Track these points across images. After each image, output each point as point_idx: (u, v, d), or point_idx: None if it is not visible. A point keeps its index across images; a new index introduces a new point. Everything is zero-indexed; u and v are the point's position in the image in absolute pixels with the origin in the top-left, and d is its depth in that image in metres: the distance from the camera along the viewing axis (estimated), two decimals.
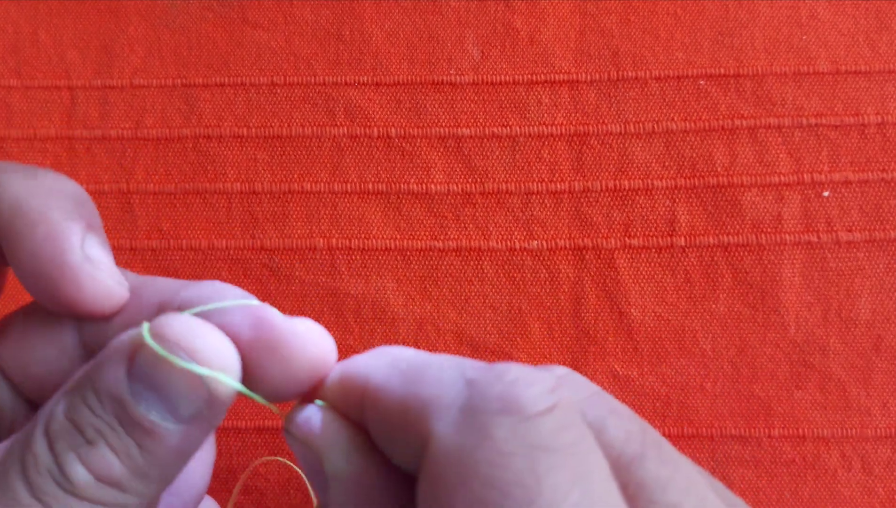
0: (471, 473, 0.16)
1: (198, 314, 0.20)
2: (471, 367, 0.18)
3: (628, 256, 0.31)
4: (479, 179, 0.32)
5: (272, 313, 0.20)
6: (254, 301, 0.20)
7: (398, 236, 0.32)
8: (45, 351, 0.22)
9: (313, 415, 0.20)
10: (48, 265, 0.20)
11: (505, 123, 0.32)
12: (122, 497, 0.19)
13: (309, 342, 0.20)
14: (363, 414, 0.20)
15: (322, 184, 0.32)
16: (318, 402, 0.21)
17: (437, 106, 0.32)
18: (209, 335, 0.19)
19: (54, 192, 0.21)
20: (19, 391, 0.23)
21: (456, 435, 0.17)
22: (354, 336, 0.31)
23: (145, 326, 0.19)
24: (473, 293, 0.31)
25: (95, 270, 0.21)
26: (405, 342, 0.31)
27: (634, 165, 0.31)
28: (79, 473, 0.19)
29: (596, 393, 0.19)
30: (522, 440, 0.16)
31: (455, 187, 0.32)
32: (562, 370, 0.19)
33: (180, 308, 0.20)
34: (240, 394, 0.20)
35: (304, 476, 0.21)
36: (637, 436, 0.18)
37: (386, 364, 0.19)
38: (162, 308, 0.21)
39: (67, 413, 0.19)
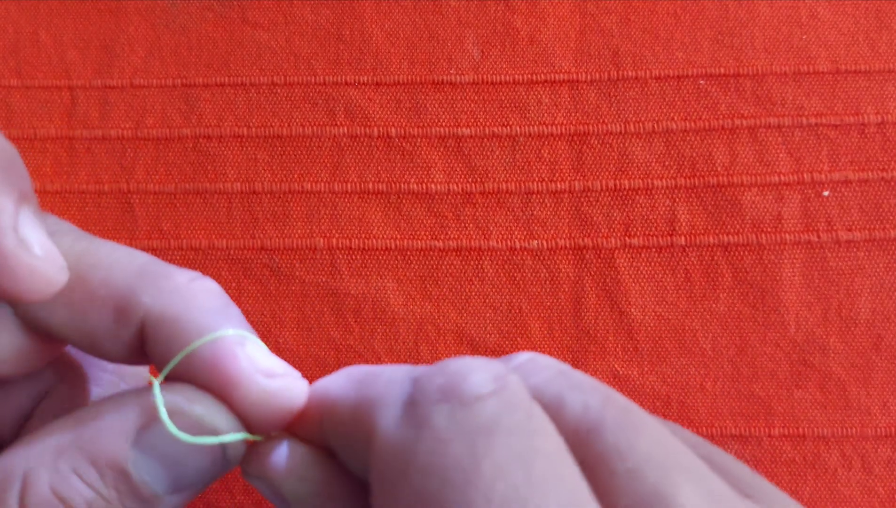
0: (411, 464, 0.16)
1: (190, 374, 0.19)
2: (420, 368, 0.18)
3: (628, 255, 0.31)
4: (479, 179, 0.32)
5: (241, 365, 0.19)
6: (227, 332, 0.19)
7: (398, 236, 0.32)
8: None
9: (278, 455, 0.20)
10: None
11: (505, 123, 0.32)
12: None
13: (276, 399, 0.19)
14: (323, 432, 0.20)
15: (322, 184, 0.32)
16: (276, 435, 0.20)
17: (437, 106, 0.32)
18: (222, 410, 0.19)
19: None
20: None
21: (397, 429, 0.16)
22: (355, 336, 0.31)
23: (160, 399, 0.18)
24: (474, 293, 0.31)
25: (31, 256, 0.18)
26: (405, 342, 0.31)
27: (634, 164, 0.32)
28: None
29: (560, 373, 0.18)
30: (461, 426, 0.16)
31: (455, 187, 0.32)
32: (524, 357, 0.19)
33: (146, 323, 0.19)
34: None
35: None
36: (595, 407, 0.17)
37: (344, 378, 0.19)
38: (119, 310, 0.19)
39: (53, 486, 0.18)
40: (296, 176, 0.32)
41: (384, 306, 0.31)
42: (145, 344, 0.20)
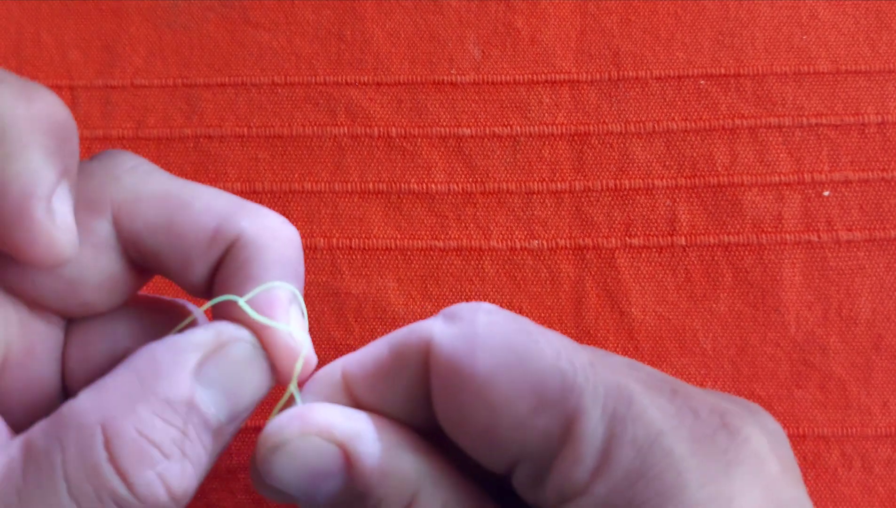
0: (476, 337, 0.20)
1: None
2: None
3: (629, 255, 0.31)
4: (480, 179, 0.32)
5: (282, 317, 0.21)
6: (289, 286, 0.22)
7: (399, 236, 0.32)
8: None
9: (323, 407, 0.21)
10: (11, 206, 0.19)
11: (506, 123, 0.32)
12: None
13: (292, 352, 0.22)
14: (345, 398, 0.22)
15: (323, 183, 0.32)
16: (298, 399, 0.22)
17: (438, 106, 0.32)
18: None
19: (41, 123, 0.20)
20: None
21: (451, 328, 0.21)
22: (355, 336, 0.31)
23: (243, 334, 0.21)
24: (474, 293, 0.31)
25: (53, 225, 0.20)
26: None
27: (635, 164, 0.32)
28: (157, 493, 0.19)
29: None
30: (502, 317, 0.21)
31: (456, 187, 0.32)
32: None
33: (236, 244, 0.21)
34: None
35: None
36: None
37: (367, 348, 0.23)
38: (217, 231, 0.21)
39: (140, 429, 0.19)
40: (297, 176, 0.32)
41: (385, 306, 0.31)
42: (219, 268, 0.22)
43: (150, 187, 0.22)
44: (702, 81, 0.32)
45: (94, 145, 0.33)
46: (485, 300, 0.31)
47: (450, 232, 0.32)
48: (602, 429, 0.19)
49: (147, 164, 0.23)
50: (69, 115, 0.21)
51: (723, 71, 0.32)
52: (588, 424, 0.19)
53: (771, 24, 0.32)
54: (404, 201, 0.32)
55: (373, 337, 0.31)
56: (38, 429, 0.19)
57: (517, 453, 0.20)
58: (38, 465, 0.19)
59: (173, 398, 0.19)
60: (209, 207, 0.22)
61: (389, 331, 0.31)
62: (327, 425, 0.21)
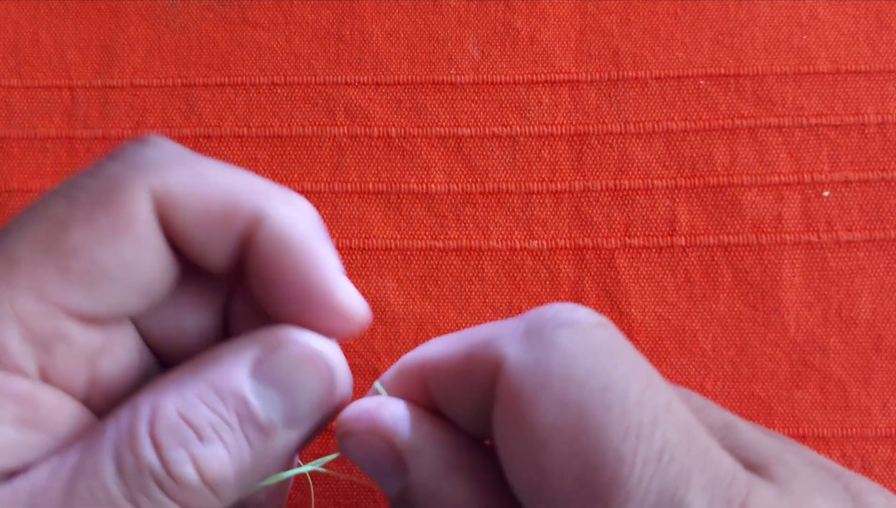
0: (549, 376, 0.18)
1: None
2: (513, 319, 0.20)
3: (628, 255, 0.31)
4: (479, 179, 0.32)
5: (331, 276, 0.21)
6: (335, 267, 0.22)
7: (398, 236, 0.32)
8: (190, 318, 0.23)
9: (395, 409, 0.21)
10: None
11: (505, 123, 0.32)
12: (212, 502, 0.20)
13: (358, 313, 0.22)
14: (424, 393, 0.22)
15: (322, 183, 0.32)
16: (378, 389, 0.22)
17: (437, 106, 0.32)
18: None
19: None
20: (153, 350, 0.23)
21: (525, 353, 0.19)
22: (355, 336, 0.31)
23: (329, 346, 0.21)
24: (474, 293, 0.31)
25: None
26: (405, 342, 0.31)
27: (634, 164, 0.31)
28: (187, 472, 0.19)
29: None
30: (586, 344, 0.19)
31: (455, 187, 0.32)
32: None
33: (266, 229, 0.21)
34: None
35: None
36: None
37: (440, 341, 0.22)
38: (254, 217, 0.21)
39: (181, 410, 0.19)
40: (296, 176, 0.32)
41: (384, 306, 0.31)
42: (250, 247, 0.21)
43: (187, 177, 0.21)
44: (701, 81, 0.32)
45: (93, 145, 0.33)
46: (484, 301, 0.31)
47: (449, 232, 0.31)
48: None
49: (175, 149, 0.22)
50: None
51: (722, 71, 0.32)
52: None
53: (771, 24, 0.32)
54: (403, 201, 0.32)
55: (372, 337, 0.31)
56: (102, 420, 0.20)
57: None
58: (93, 437, 0.19)
59: (221, 386, 0.20)
60: (220, 183, 0.21)
61: (389, 331, 0.31)
62: (392, 431, 0.21)
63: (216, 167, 0.21)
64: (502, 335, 0.20)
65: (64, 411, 0.20)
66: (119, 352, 0.22)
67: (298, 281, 0.21)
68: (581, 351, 0.19)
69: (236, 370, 0.20)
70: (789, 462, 0.19)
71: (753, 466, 0.19)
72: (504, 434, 0.19)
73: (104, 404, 0.22)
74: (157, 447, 0.19)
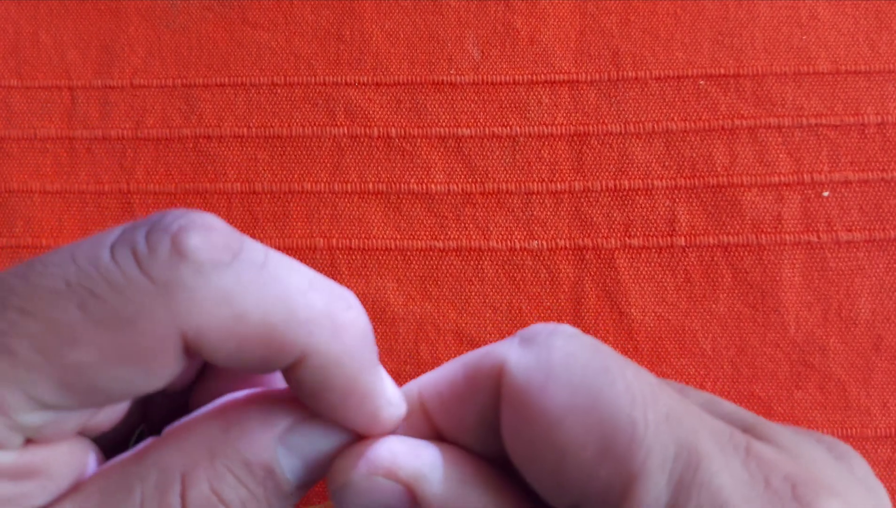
0: (550, 367, 0.19)
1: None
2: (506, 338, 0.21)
3: (628, 256, 0.31)
4: (479, 179, 0.32)
5: (380, 405, 0.22)
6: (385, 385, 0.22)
7: (398, 236, 0.32)
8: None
9: (390, 444, 0.21)
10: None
11: (505, 123, 0.32)
12: None
13: (393, 422, 0.22)
14: (420, 424, 0.22)
15: (322, 184, 0.32)
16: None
17: (437, 106, 0.32)
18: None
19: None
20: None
21: (525, 354, 0.20)
22: None
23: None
24: (474, 293, 0.31)
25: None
26: (405, 342, 0.31)
27: (634, 165, 0.32)
28: None
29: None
30: (578, 343, 0.20)
31: (455, 187, 0.32)
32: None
33: (309, 362, 0.20)
34: None
35: None
36: None
37: (439, 370, 0.22)
38: (285, 347, 0.20)
39: (213, 485, 0.19)
40: (296, 176, 0.32)
41: (384, 306, 0.31)
42: (290, 371, 0.20)
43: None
44: (701, 82, 0.32)
45: (93, 146, 0.33)
46: (484, 301, 0.31)
47: (449, 232, 0.31)
48: (666, 496, 0.18)
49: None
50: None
51: (722, 71, 0.32)
52: (651, 488, 0.18)
53: (771, 24, 0.32)
54: (403, 201, 0.32)
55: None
56: (119, 464, 0.20)
57: (578, 496, 0.19)
58: (117, 498, 0.19)
59: (253, 459, 0.20)
60: (261, 320, 0.19)
61: (389, 331, 0.31)
62: (392, 465, 0.21)
63: (255, 293, 0.19)
64: (499, 347, 0.21)
65: (61, 456, 0.20)
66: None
67: (341, 408, 0.21)
68: (575, 347, 0.20)
69: (267, 441, 0.20)
70: (773, 426, 0.21)
71: (741, 430, 0.21)
72: (516, 431, 0.20)
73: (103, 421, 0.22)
74: None
